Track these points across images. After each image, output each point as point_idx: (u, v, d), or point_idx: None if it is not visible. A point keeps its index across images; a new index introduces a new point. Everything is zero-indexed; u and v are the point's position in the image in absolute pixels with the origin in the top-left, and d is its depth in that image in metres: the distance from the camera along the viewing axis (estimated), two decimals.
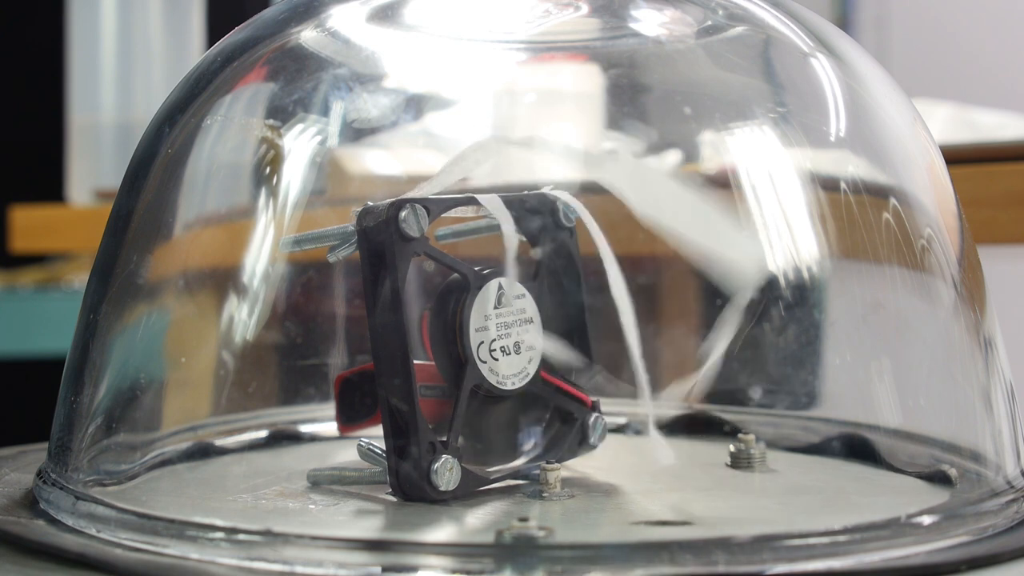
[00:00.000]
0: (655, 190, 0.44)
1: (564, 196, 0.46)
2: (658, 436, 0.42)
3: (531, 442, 0.46)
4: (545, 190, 0.47)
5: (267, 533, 0.35)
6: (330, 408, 0.52)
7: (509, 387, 0.44)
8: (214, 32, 1.71)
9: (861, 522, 0.36)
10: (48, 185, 1.77)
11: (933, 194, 0.49)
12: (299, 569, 0.34)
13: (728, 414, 0.56)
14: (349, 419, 0.49)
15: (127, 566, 0.35)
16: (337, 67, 0.50)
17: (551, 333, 0.46)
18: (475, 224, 0.47)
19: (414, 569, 0.34)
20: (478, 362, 0.43)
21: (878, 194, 0.48)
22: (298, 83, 0.49)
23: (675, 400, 0.42)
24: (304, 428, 0.56)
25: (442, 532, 0.39)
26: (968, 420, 0.46)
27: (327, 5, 0.50)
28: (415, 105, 0.53)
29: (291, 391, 0.58)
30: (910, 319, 0.49)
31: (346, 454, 0.50)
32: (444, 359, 0.43)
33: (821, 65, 0.50)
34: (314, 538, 0.35)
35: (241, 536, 0.36)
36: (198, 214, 0.50)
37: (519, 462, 0.45)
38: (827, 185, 0.48)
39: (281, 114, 0.49)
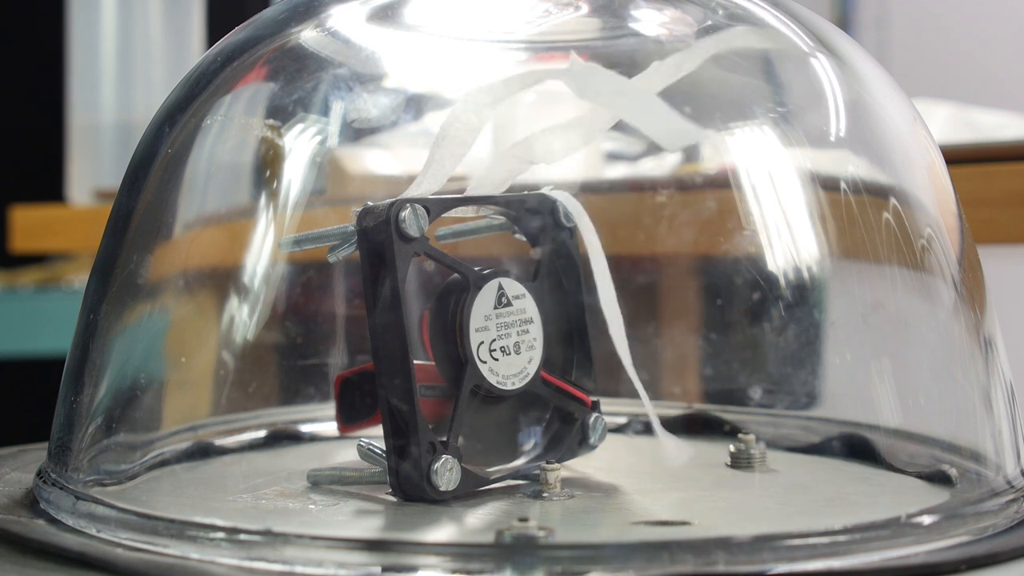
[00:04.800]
0: (635, 100, 0.43)
1: (563, 197, 0.46)
2: (667, 435, 0.41)
3: (531, 442, 0.46)
4: (545, 190, 0.47)
5: (267, 533, 0.35)
6: (330, 408, 0.52)
7: (509, 387, 0.44)
8: (214, 32, 1.71)
9: (861, 522, 0.36)
10: (48, 185, 1.77)
11: (933, 194, 0.49)
12: (299, 569, 0.34)
13: (728, 414, 0.56)
14: (349, 419, 0.49)
15: (127, 566, 0.35)
16: (337, 67, 0.50)
17: (551, 333, 0.46)
18: (475, 224, 0.47)
19: (414, 569, 0.34)
20: (478, 362, 0.43)
21: (878, 194, 0.48)
22: (298, 83, 0.49)
23: None
24: (304, 428, 0.56)
25: (442, 532, 0.39)
26: (968, 420, 0.46)
27: (327, 5, 0.50)
28: (415, 105, 0.53)
29: (291, 391, 0.58)
30: (910, 319, 0.49)
31: (346, 454, 0.50)
32: (444, 359, 0.43)
33: (821, 65, 0.50)
34: (314, 538, 0.35)
35: (241, 536, 0.36)
36: (198, 214, 0.50)
37: (519, 462, 0.45)
38: (827, 185, 0.48)
39: (281, 114, 0.49)
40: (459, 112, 0.44)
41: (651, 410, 0.41)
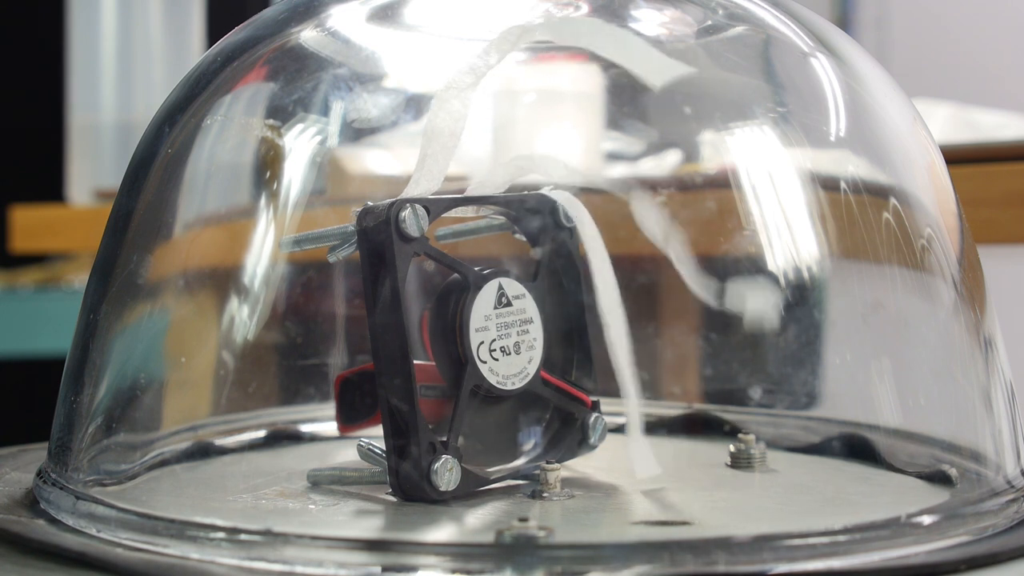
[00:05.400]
0: (612, 37, 0.43)
1: (564, 198, 0.46)
2: (643, 448, 0.42)
3: (531, 442, 0.46)
4: (545, 191, 0.47)
5: (267, 533, 0.35)
6: (330, 408, 0.52)
7: (509, 387, 0.44)
8: (214, 32, 1.71)
9: (861, 522, 0.36)
10: (48, 185, 1.77)
11: (933, 194, 0.49)
12: (299, 569, 0.34)
13: (728, 414, 0.56)
14: (349, 419, 0.49)
15: (127, 566, 0.35)
16: (337, 67, 0.50)
17: (551, 333, 0.46)
18: (475, 224, 0.47)
19: (414, 569, 0.34)
20: (478, 362, 0.43)
21: (878, 194, 0.48)
22: (298, 83, 0.49)
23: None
24: (304, 428, 0.56)
25: (442, 532, 0.39)
26: (968, 420, 0.46)
27: (327, 5, 0.50)
28: (415, 105, 0.53)
29: (291, 391, 0.58)
30: (910, 319, 0.49)
31: (346, 454, 0.50)
32: (444, 359, 0.43)
33: (821, 65, 0.50)
34: (314, 538, 0.35)
35: (241, 536, 0.36)
36: (198, 214, 0.50)
37: (519, 462, 0.45)
38: (827, 185, 0.48)
39: (281, 114, 0.49)
40: (442, 101, 0.43)
41: (638, 418, 0.41)
